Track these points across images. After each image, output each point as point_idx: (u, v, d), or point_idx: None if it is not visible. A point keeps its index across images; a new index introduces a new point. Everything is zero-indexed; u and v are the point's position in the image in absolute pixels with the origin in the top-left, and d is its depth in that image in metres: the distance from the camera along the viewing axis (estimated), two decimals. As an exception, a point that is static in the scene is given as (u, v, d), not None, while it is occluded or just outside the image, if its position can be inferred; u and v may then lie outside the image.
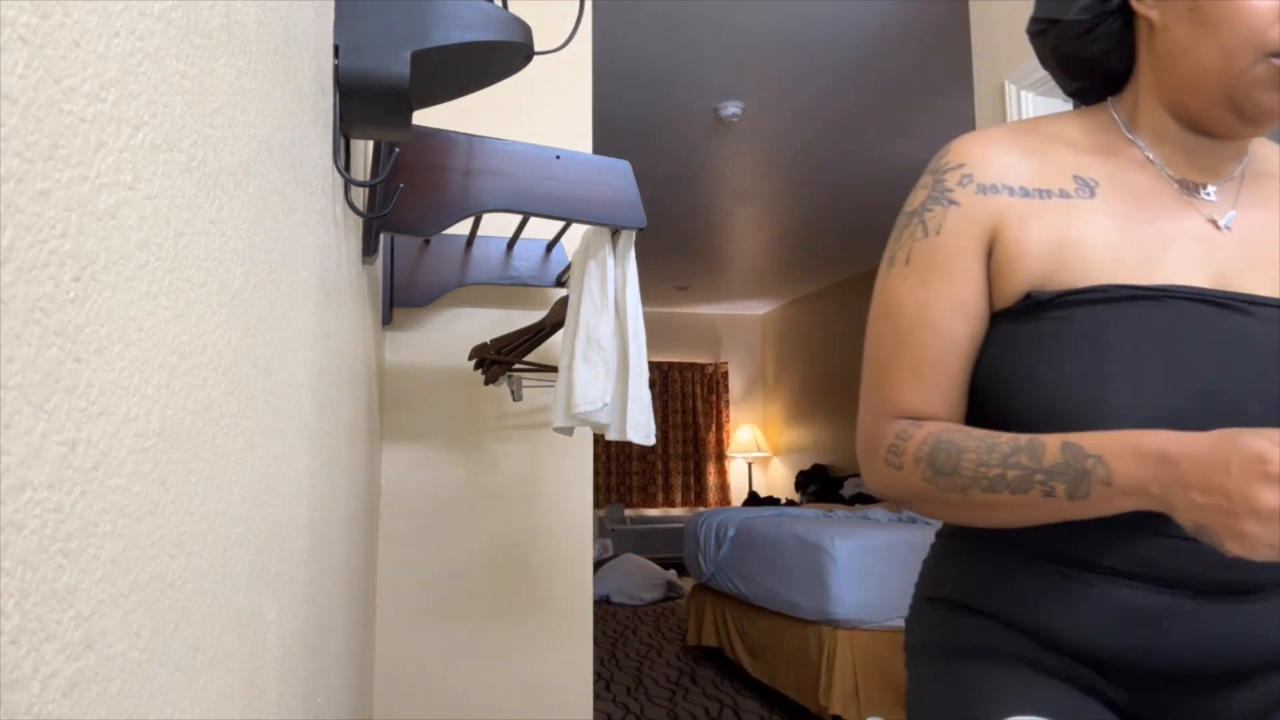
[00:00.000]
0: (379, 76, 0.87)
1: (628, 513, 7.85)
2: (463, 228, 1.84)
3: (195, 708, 0.40)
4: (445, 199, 1.27)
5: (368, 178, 1.31)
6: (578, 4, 1.60)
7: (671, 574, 5.96)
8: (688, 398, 8.28)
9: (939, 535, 0.85)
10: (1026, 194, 0.75)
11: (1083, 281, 0.72)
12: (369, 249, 1.27)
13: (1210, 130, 0.75)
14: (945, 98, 3.61)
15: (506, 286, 1.95)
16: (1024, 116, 2.12)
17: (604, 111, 3.68)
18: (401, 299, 1.83)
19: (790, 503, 6.72)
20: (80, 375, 0.28)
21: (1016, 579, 0.74)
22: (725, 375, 8.40)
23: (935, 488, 0.70)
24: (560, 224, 1.85)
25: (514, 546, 1.91)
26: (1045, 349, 0.72)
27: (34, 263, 0.25)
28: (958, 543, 0.81)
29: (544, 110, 2.01)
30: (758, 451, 7.98)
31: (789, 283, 7.24)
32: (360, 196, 1.22)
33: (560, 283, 1.90)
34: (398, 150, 1.10)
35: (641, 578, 5.74)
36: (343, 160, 0.94)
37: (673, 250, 6.11)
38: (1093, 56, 0.79)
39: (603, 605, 5.61)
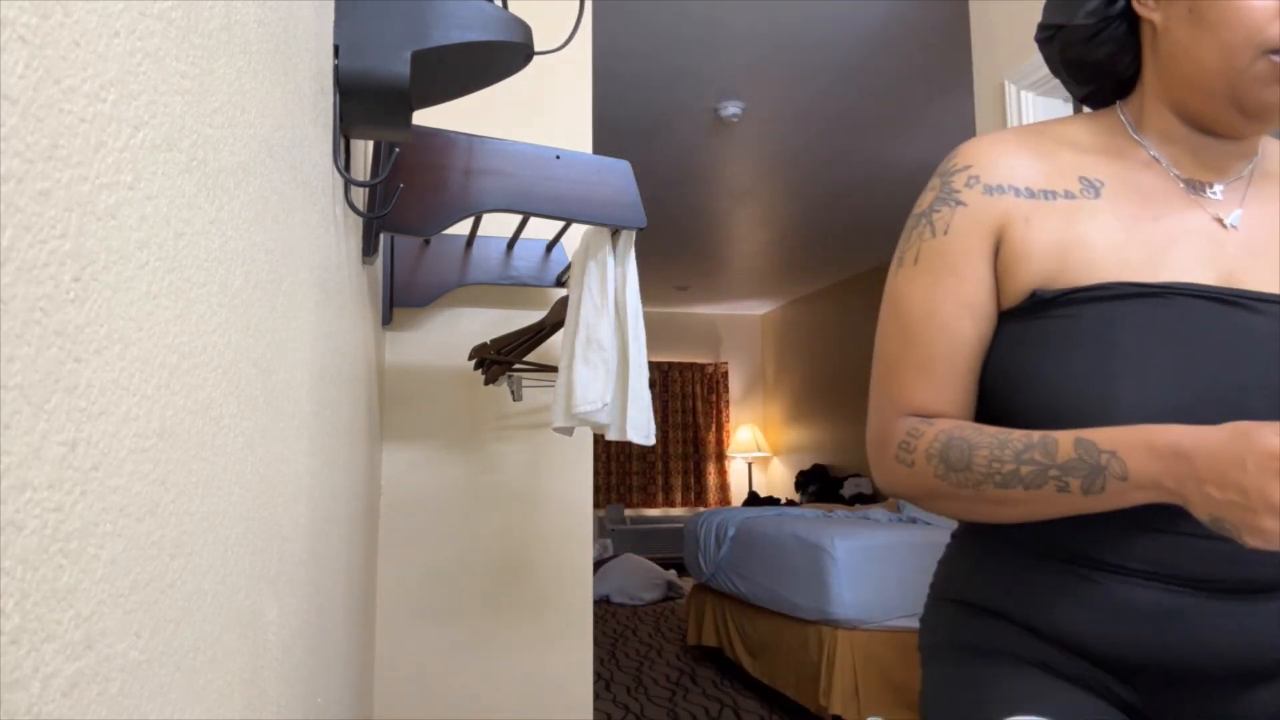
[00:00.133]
0: (379, 76, 0.87)
1: (628, 513, 7.85)
2: (463, 228, 1.84)
3: (195, 708, 0.40)
4: (445, 199, 1.27)
5: (368, 178, 1.31)
6: (578, 4, 1.60)
7: (671, 574, 5.96)
8: (688, 398, 8.28)
9: (954, 536, 0.85)
10: (1032, 195, 0.76)
11: (1088, 280, 0.72)
12: (369, 249, 1.27)
13: (1216, 129, 0.75)
14: (945, 98, 3.61)
15: (506, 286, 1.94)
16: (1024, 116, 2.12)
17: (604, 112, 3.68)
18: (401, 299, 1.83)
19: (790, 503, 6.72)
20: (80, 375, 0.28)
21: (1029, 578, 0.74)
22: (725, 375, 8.40)
23: (947, 484, 0.70)
24: (560, 224, 1.85)
25: (514, 546, 1.91)
26: (1051, 347, 0.72)
27: (34, 263, 0.25)
28: (972, 543, 0.81)
29: (544, 110, 2.01)
30: (758, 451, 7.98)
31: (789, 283, 7.24)
32: (360, 196, 1.22)
33: (560, 283, 1.90)
34: (398, 150, 1.10)
35: (641, 578, 5.75)
36: (343, 160, 0.94)
37: (673, 250, 6.11)
38: (1099, 60, 0.80)
39: (603, 605, 5.61)
